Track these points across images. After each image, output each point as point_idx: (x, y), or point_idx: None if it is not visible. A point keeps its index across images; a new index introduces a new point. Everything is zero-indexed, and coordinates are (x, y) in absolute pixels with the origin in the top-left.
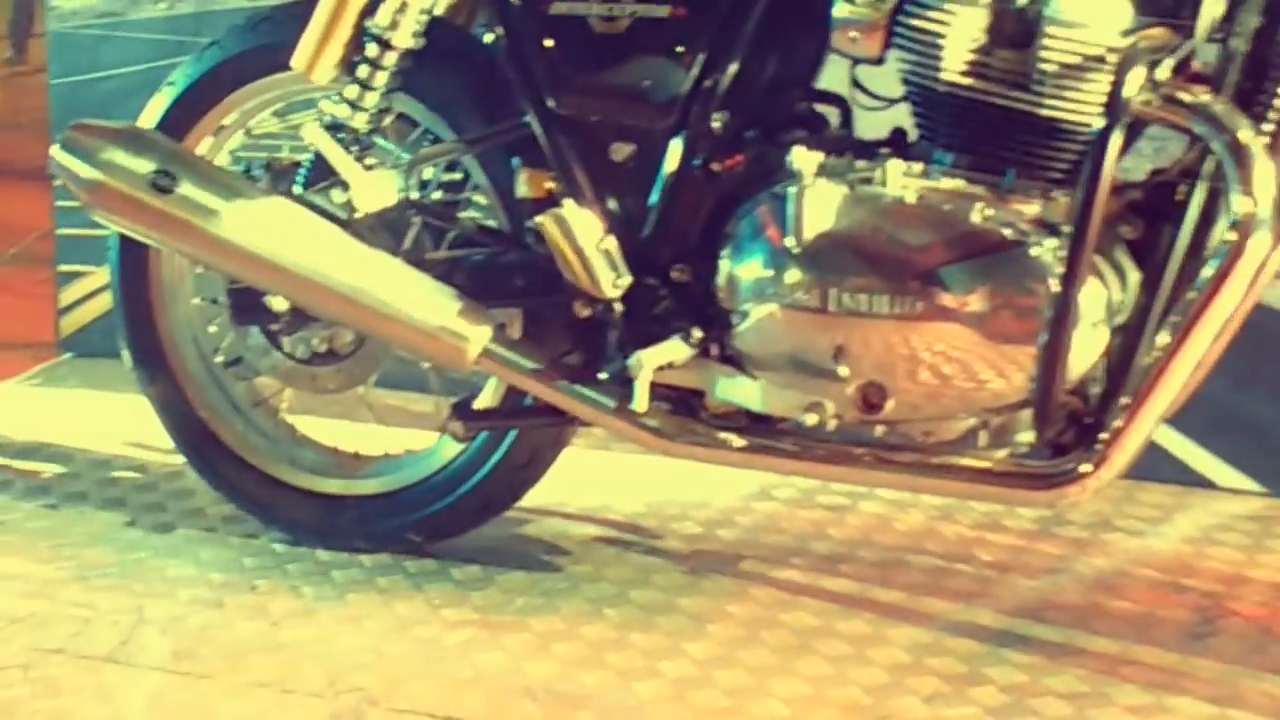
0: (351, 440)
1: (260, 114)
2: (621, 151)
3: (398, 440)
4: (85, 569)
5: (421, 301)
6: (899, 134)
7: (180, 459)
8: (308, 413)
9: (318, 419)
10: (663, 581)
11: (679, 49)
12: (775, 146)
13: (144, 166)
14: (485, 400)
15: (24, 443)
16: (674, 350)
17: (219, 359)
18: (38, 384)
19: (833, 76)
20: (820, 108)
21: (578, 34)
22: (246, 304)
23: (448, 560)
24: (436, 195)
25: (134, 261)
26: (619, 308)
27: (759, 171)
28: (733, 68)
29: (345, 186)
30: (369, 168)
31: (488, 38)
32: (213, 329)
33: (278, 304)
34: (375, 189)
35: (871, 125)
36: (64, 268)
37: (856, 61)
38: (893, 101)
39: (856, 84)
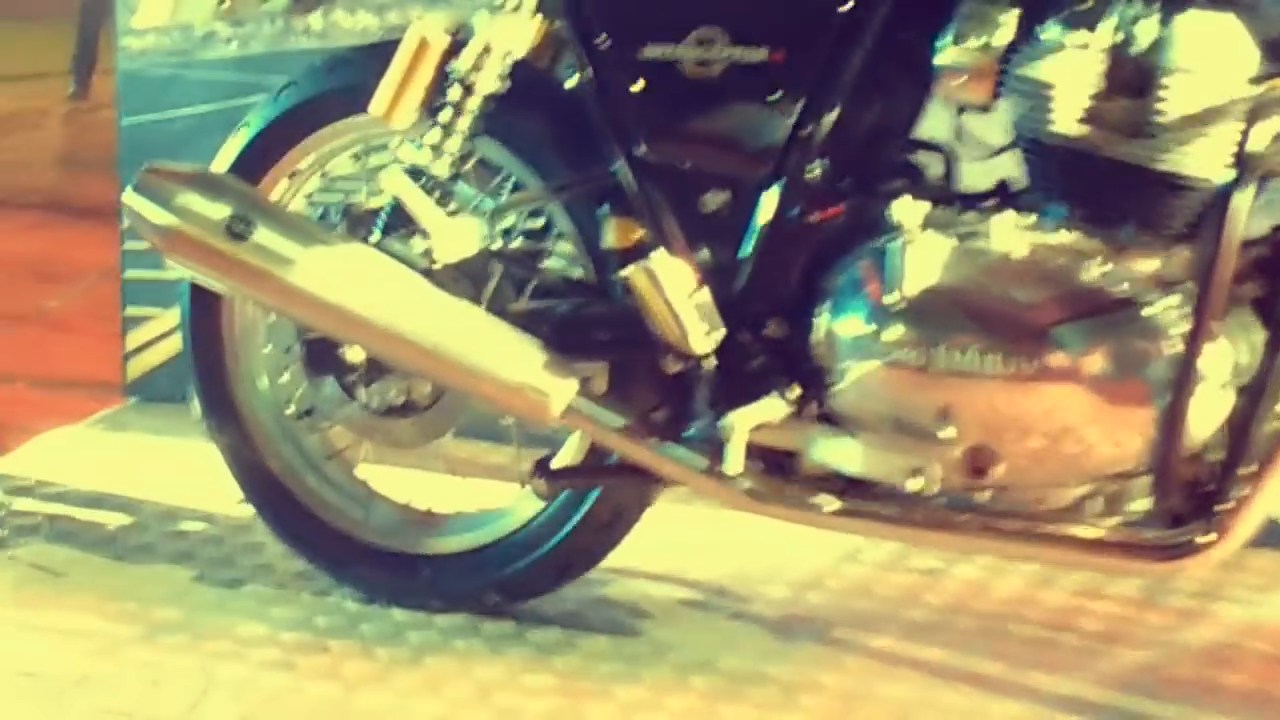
0: (425, 496)
1: (337, 158)
2: (714, 201)
3: (473, 495)
4: (153, 627)
5: (504, 355)
6: (1005, 185)
7: (249, 511)
8: (379, 463)
9: (390, 469)
10: (751, 649)
11: (775, 95)
12: (875, 197)
13: (219, 212)
14: (567, 456)
15: (88, 491)
16: (770, 409)
17: (290, 410)
18: (103, 429)
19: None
20: (922, 157)
21: (669, 79)
22: (321, 354)
23: (526, 623)
24: (518, 243)
25: (205, 307)
26: (710, 363)
27: (858, 223)
28: (831, 115)
29: (425, 234)
30: (451, 214)
31: (570, 82)
32: (284, 378)
33: (354, 355)
34: (457, 237)
35: (975, 175)
36: (131, 310)
37: (961, 109)
38: (997, 151)
39: (960, 133)
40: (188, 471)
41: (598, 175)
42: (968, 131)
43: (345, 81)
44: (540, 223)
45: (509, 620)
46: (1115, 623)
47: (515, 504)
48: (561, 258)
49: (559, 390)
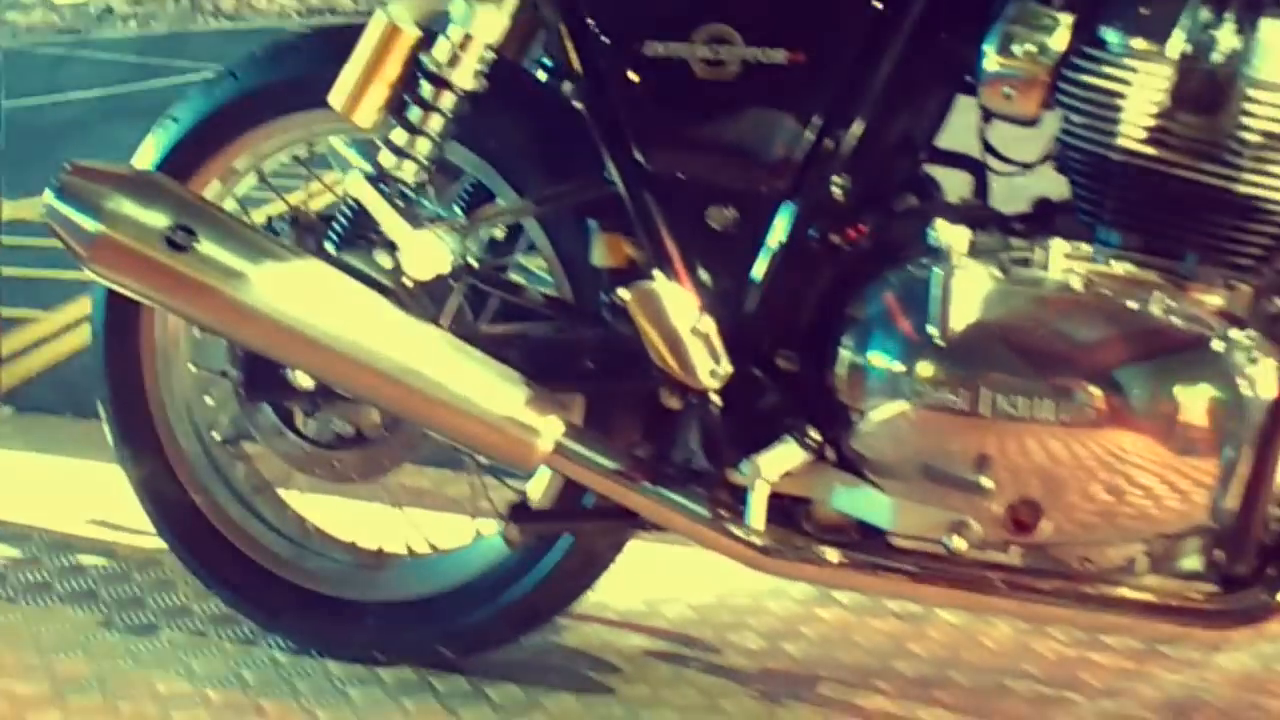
0: (370, 533)
1: (276, 156)
2: (721, 217)
3: (423, 530)
4: (60, 684)
5: (483, 386)
6: (1045, 205)
7: (153, 543)
8: (314, 491)
9: (325, 497)
10: (733, 709)
11: (795, 101)
12: (904, 217)
13: (157, 219)
14: (536, 496)
15: None
16: (791, 455)
17: (215, 436)
18: None
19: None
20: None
21: (675, 80)
22: (262, 379)
23: (480, 678)
24: (479, 259)
25: (122, 320)
26: (715, 399)
27: (885, 245)
28: (857, 125)
29: (391, 248)
30: (416, 227)
31: (541, 74)
32: (209, 401)
33: (302, 380)
34: (428, 253)
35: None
36: (6, 311)
37: (988, 119)
38: (1027, 166)
39: (988, 147)
40: (78, 494)
41: (588, 186)
42: (991, 144)
43: (292, 72)
44: (502, 234)
45: (459, 675)
46: (1120, 677)
47: (474, 544)
48: (524, 274)
49: (546, 427)
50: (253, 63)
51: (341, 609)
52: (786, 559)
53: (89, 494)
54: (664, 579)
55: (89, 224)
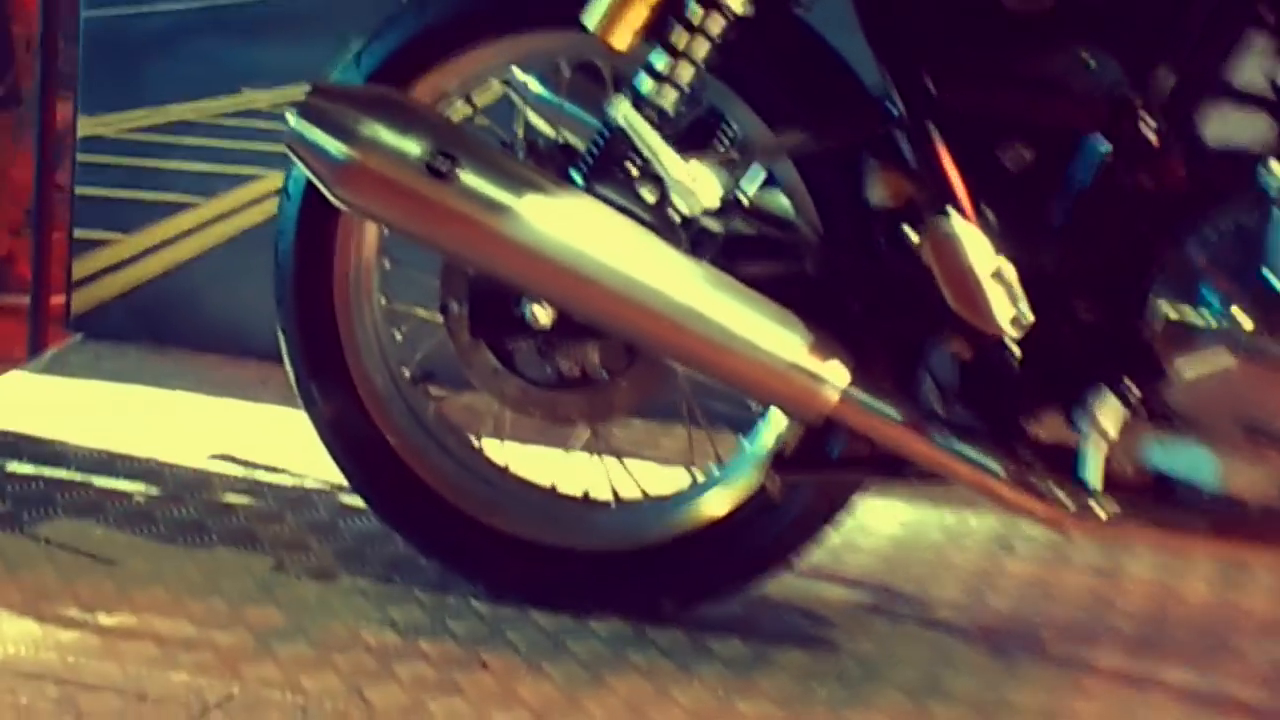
0: (572, 479)
1: (487, 80)
2: (1016, 156)
3: (629, 477)
4: (262, 634)
5: (765, 330)
6: None
7: (294, 481)
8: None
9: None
10: (972, 668)
11: (1109, 36)
12: (1224, 158)
13: (416, 146)
14: (777, 440)
15: (86, 450)
16: (1117, 410)
17: (405, 373)
18: (54, 373)
19: None
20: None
21: (982, 9)
22: (493, 315)
23: (694, 631)
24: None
25: (317, 245)
26: (1014, 349)
27: (1204, 188)
28: (1177, 63)
29: (656, 181)
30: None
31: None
32: (397, 337)
33: (542, 317)
34: (700, 187)
35: None
36: (80, 233)
37: None
38: None
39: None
40: (182, 427)
41: (867, 120)
42: None
43: None
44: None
45: (675, 629)
46: None
47: (692, 491)
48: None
49: (832, 374)
50: None
51: (548, 556)
52: (1132, 522)
53: (195, 427)
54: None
55: (339, 148)
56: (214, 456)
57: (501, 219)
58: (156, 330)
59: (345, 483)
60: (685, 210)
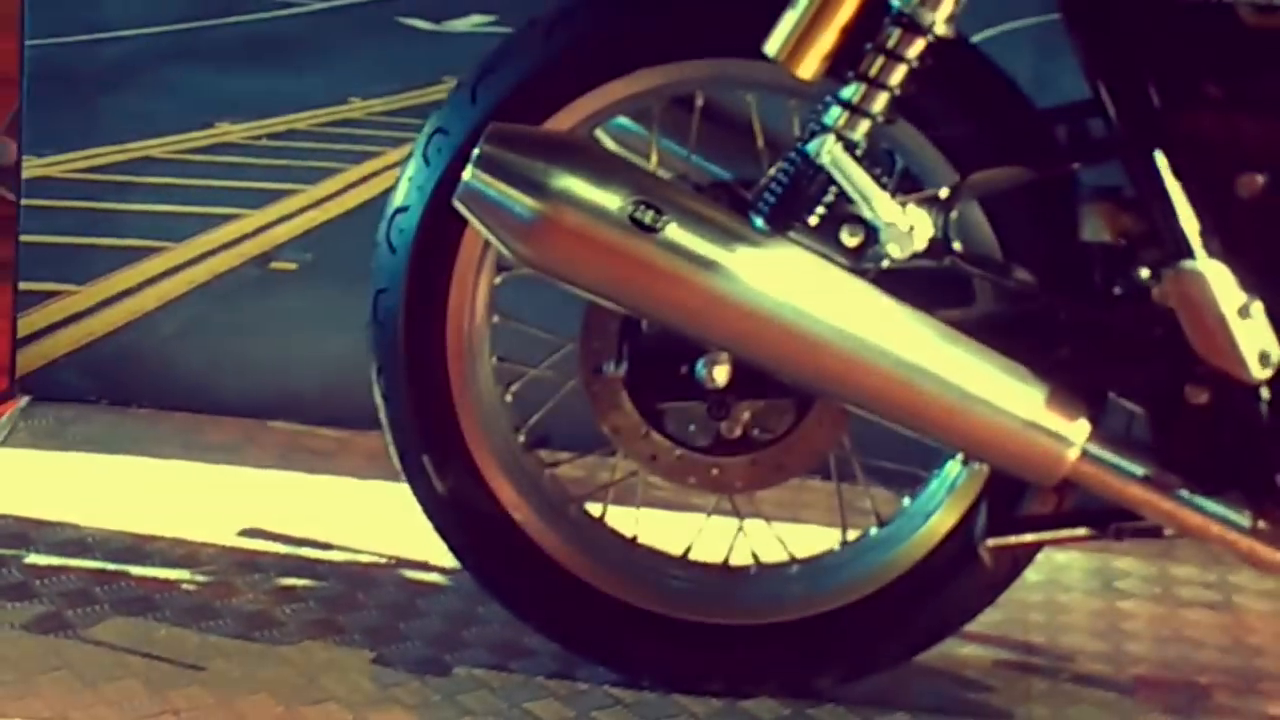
0: (707, 545)
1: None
2: (1252, 185)
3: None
4: None
5: (998, 385)
6: None
7: (345, 557)
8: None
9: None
10: None
11: None
12: None
13: (615, 198)
14: (974, 501)
15: (102, 532)
16: None
17: (520, 440)
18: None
19: None
20: None
21: (1217, 28)
22: (660, 376)
23: (857, 706)
24: None
25: (428, 299)
26: (1263, 393)
27: None
28: None
29: (864, 225)
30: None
31: None
32: (508, 399)
33: (720, 376)
34: (912, 231)
35: None
36: (25, 285)
37: None
38: None
39: None
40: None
41: (1095, 146)
42: None
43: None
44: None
45: (834, 704)
46: None
47: (847, 554)
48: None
49: (1073, 432)
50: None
51: (696, 635)
52: None
53: (202, 497)
54: None
55: (528, 204)
56: (242, 533)
57: (713, 274)
58: (115, 389)
59: (406, 554)
60: (897, 254)
